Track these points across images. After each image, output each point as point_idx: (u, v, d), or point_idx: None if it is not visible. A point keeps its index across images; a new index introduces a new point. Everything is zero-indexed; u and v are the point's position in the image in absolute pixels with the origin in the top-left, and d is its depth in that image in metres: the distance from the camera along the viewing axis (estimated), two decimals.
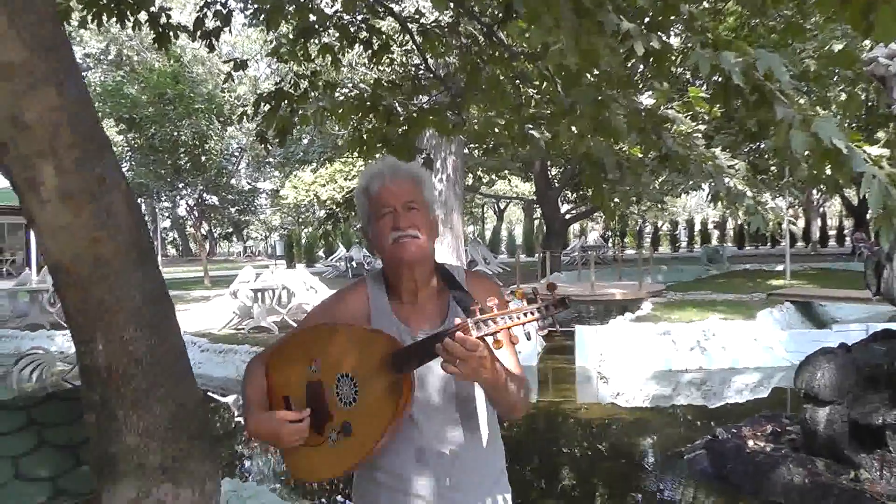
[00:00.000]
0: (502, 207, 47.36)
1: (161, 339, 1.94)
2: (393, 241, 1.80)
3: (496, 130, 5.71)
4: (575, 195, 25.34)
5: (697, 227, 38.72)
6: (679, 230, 39.57)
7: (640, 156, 4.52)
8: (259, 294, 13.03)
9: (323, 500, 5.90)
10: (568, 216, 26.09)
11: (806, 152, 2.78)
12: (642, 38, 2.97)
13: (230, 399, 9.79)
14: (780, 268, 19.47)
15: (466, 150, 19.67)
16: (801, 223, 35.31)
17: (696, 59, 2.85)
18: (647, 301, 13.72)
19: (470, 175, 27.34)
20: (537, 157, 16.11)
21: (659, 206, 27.20)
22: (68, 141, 1.72)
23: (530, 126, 5.32)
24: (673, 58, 3.11)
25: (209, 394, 10.13)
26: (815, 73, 12.32)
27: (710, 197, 4.62)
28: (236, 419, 8.85)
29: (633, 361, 10.18)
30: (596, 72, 3.59)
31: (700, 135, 5.81)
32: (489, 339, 1.51)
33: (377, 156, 5.94)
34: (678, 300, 14.44)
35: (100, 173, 1.79)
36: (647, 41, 2.97)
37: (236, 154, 32.68)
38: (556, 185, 24.07)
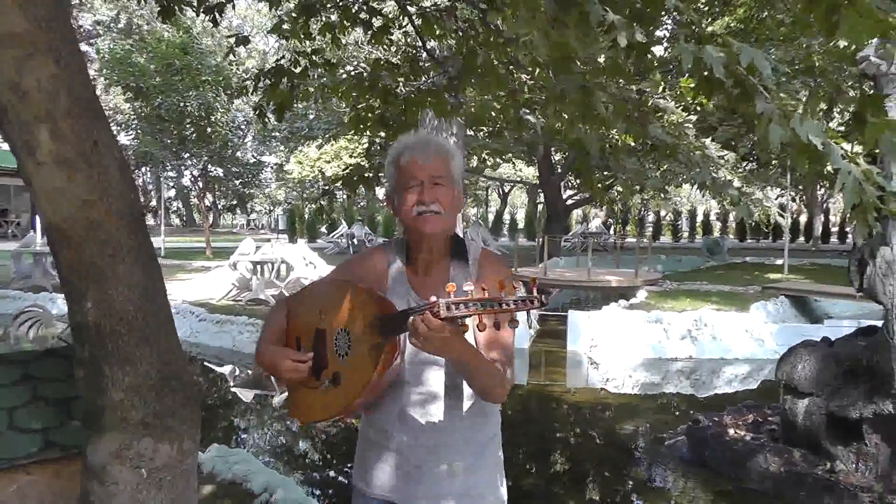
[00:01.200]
0: (506, 190, 47.35)
1: (148, 300, 2.04)
2: (417, 214, 1.88)
3: (493, 114, 5.80)
4: (578, 181, 25.32)
5: (700, 217, 38.76)
6: (681, 220, 39.59)
7: (631, 143, 4.61)
8: (258, 267, 13.15)
9: (315, 474, 6.04)
10: (570, 202, 26.11)
11: (781, 145, 2.86)
12: (627, 30, 3.04)
13: (226, 369, 9.90)
14: (779, 262, 19.53)
15: (471, 132, 19.68)
16: (804, 218, 35.30)
17: (679, 52, 2.93)
18: (642, 289, 13.81)
19: (474, 157, 27.35)
20: (539, 142, 16.11)
21: (661, 195, 27.19)
22: (64, 108, 1.81)
23: (526, 111, 5.41)
24: (656, 51, 3.18)
25: (205, 363, 10.26)
26: (821, 67, 12.36)
27: (696, 186, 4.73)
28: (232, 389, 8.98)
29: (623, 348, 10.30)
30: (585, 60, 3.67)
31: (691, 125, 5.91)
32: (469, 322, 1.56)
33: (380, 134, 6.04)
34: (673, 289, 14.55)
35: (94, 140, 1.88)
36: (631, 34, 3.04)
37: (242, 127, 32.65)
38: (559, 170, 24.08)
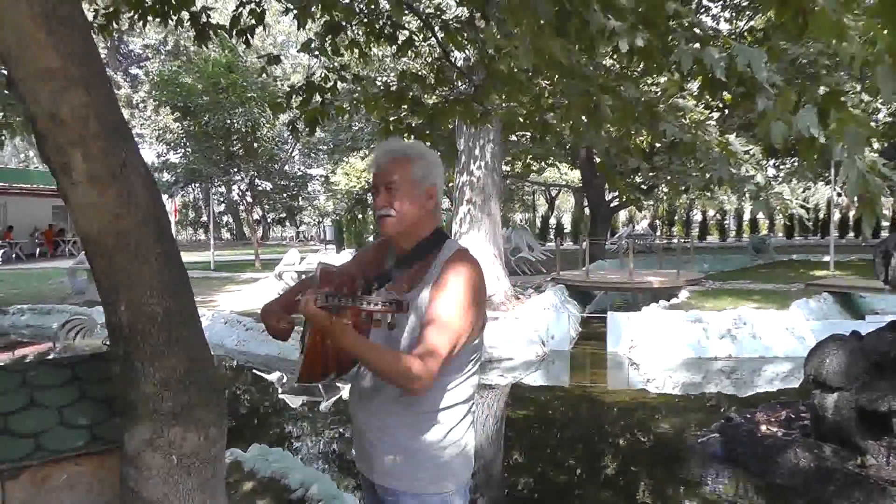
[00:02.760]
0: (553, 195, 47.28)
1: (175, 302, 2.27)
2: (378, 217, 2.15)
3: (520, 120, 5.96)
4: (622, 183, 25.30)
5: (746, 216, 38.25)
6: (728, 219, 39.09)
7: (646, 144, 4.72)
8: (303, 276, 13.46)
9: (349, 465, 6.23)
10: (613, 204, 26.04)
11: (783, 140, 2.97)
12: (628, 35, 3.19)
13: (274, 377, 10.20)
14: (826, 259, 19.24)
15: (514, 138, 19.82)
16: (853, 213, 34.58)
17: (679, 56, 3.07)
18: (684, 290, 13.78)
19: (518, 163, 27.43)
20: (578, 145, 16.19)
21: (706, 194, 26.93)
22: (95, 132, 2.03)
23: (552, 115, 5.55)
24: (658, 55, 3.31)
25: (254, 371, 10.58)
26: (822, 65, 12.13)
27: (716, 181, 4.83)
28: (280, 395, 9.26)
29: (663, 348, 10.32)
30: (594, 65, 3.81)
31: (713, 122, 5.98)
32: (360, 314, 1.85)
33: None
34: (716, 289, 14.47)
35: (122, 159, 2.10)
36: (632, 38, 3.19)
37: (288, 141, 33.29)
38: (600, 173, 24.06)
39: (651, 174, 19.78)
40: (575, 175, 34.22)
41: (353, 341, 1.89)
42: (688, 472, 6.04)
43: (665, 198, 31.18)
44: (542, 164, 28.90)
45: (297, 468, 4.58)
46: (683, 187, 21.62)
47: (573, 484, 5.91)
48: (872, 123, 18.28)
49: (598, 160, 24.97)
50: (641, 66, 3.71)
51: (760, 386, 9.14)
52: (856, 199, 2.80)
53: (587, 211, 29.01)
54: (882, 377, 5.46)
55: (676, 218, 37.59)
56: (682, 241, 22.90)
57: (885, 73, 1.91)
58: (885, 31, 1.89)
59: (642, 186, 23.08)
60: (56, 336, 10.91)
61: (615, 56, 3.46)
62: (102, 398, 2.97)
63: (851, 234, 34.30)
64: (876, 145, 16.44)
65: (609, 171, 4.77)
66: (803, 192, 35.41)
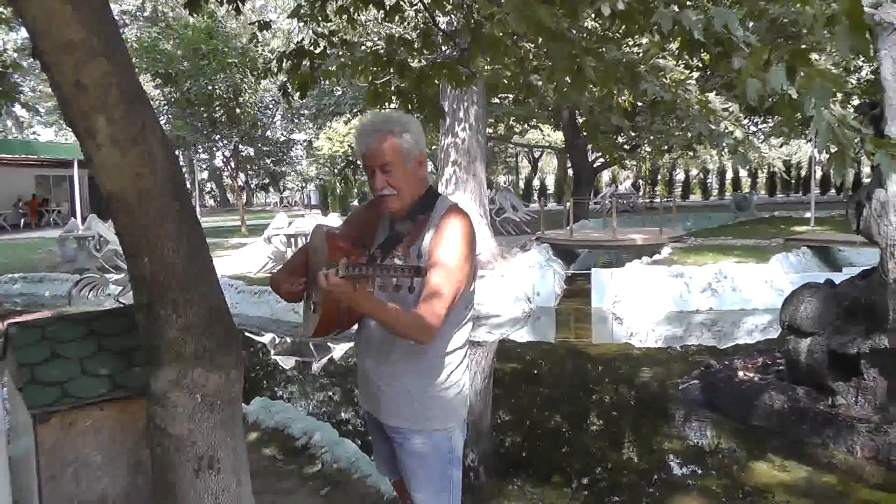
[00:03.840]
0: (536, 156, 47.39)
1: (193, 254, 2.45)
2: (377, 198, 2.31)
3: (505, 82, 6.11)
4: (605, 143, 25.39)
5: (729, 174, 38.57)
6: (711, 178, 39.42)
7: (628, 103, 4.90)
8: (292, 239, 13.64)
9: (349, 417, 6.49)
10: (596, 165, 26.23)
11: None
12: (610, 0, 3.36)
13: (267, 338, 10.41)
14: (808, 215, 19.57)
15: (497, 100, 19.89)
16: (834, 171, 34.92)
17: (658, 18, 3.25)
18: (666, 246, 14.06)
19: (501, 124, 27.52)
20: (564, 104, 16.30)
21: (689, 153, 27.15)
22: (116, 98, 2.20)
23: (537, 77, 5.71)
24: (638, 17, 3.48)
25: (247, 333, 10.78)
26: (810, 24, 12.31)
27: (695, 138, 5.01)
28: (273, 356, 9.49)
29: (646, 303, 10.61)
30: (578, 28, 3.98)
31: (694, 81, 6.16)
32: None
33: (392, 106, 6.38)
34: (698, 245, 14.77)
35: (141, 123, 2.27)
36: (613, 2, 3.36)
37: (270, 107, 33.15)
38: (585, 133, 24.19)
39: (633, 134, 19.96)
40: (558, 136, 34.34)
41: (373, 306, 2.06)
42: (669, 418, 6.33)
43: (648, 157, 31.39)
44: (525, 125, 29.03)
45: (299, 418, 4.82)
46: (666, 147, 21.80)
47: (560, 433, 6.18)
48: (854, 80, 18.48)
49: (581, 121, 25.12)
50: (623, 28, 3.88)
51: (740, 337, 9.45)
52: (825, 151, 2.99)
53: (570, 172, 29.18)
54: (853, 322, 5.73)
55: (659, 177, 37.83)
56: (665, 199, 23.17)
57: (842, 32, 2.11)
58: None
59: (625, 147, 23.27)
60: (70, 294, 11.31)
61: (597, 19, 3.63)
62: (119, 350, 3.18)
63: (833, 192, 34.70)
64: (857, 102, 16.64)
65: (592, 131, 4.95)
66: (781, 147, 35.66)
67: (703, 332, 9.83)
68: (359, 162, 2.48)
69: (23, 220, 30.44)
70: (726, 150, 4.84)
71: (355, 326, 2.47)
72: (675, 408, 6.48)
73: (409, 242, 2.31)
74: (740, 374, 6.43)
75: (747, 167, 31.28)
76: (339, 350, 9.30)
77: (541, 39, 4.83)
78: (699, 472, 5.21)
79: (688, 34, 3.23)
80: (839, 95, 13.88)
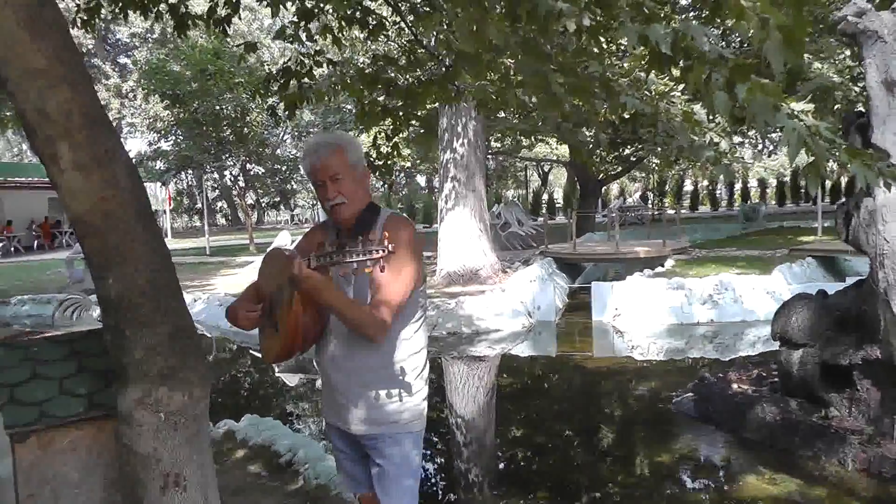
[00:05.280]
0: (546, 170, 47.44)
1: (160, 275, 2.50)
2: (330, 208, 2.41)
3: (493, 97, 6.17)
4: (610, 156, 25.42)
5: (738, 185, 38.45)
6: (719, 189, 39.29)
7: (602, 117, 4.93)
8: None
9: None
10: (601, 177, 26.21)
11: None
12: (575, 16, 3.41)
13: None
14: (815, 224, 19.48)
15: (502, 114, 19.93)
16: (844, 179, 34.82)
17: (624, 33, 3.29)
18: (670, 258, 14.04)
19: (508, 139, 27.57)
20: (541, 118, 16.35)
21: (697, 165, 27.12)
22: (79, 124, 2.27)
23: (522, 91, 5.76)
24: (605, 33, 3.52)
25: (251, 351, 10.84)
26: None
27: (676, 151, 5.05)
28: (277, 374, 9.53)
29: (647, 315, 10.60)
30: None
31: (679, 92, 6.19)
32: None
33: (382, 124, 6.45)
34: (701, 257, 14.75)
35: (105, 148, 2.34)
36: (579, 19, 3.40)
37: (279, 125, 33.40)
38: (590, 146, 24.19)
39: (639, 147, 19.98)
40: (565, 150, 34.38)
41: (336, 295, 2.24)
42: (663, 432, 6.32)
43: (656, 169, 31.37)
44: (532, 139, 29.06)
45: (285, 435, 4.86)
46: (673, 158, 21.79)
47: (558, 448, 6.19)
48: (857, 88, 18.39)
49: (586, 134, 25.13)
50: (591, 44, 3.92)
51: (742, 349, 9.40)
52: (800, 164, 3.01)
53: (577, 185, 29.21)
54: (845, 333, 5.70)
55: (668, 189, 37.77)
56: (673, 211, 23.14)
57: (774, 45, 2.16)
58: (775, 10, 2.13)
59: (631, 159, 23.27)
60: (54, 316, 11.38)
61: (563, 35, 3.69)
62: (100, 370, 3.23)
63: (843, 200, 34.47)
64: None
65: (573, 144, 5.00)
66: (769, 156, 35.66)
67: (703, 344, 9.81)
68: (307, 178, 2.55)
69: (36, 242, 30.73)
70: (708, 162, 4.87)
71: (313, 348, 2.53)
72: (668, 421, 6.47)
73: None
74: (734, 386, 6.42)
75: (733, 177, 31.23)
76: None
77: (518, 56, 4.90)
78: (690, 485, 5.21)
79: (656, 48, 3.27)
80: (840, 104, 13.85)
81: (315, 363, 2.64)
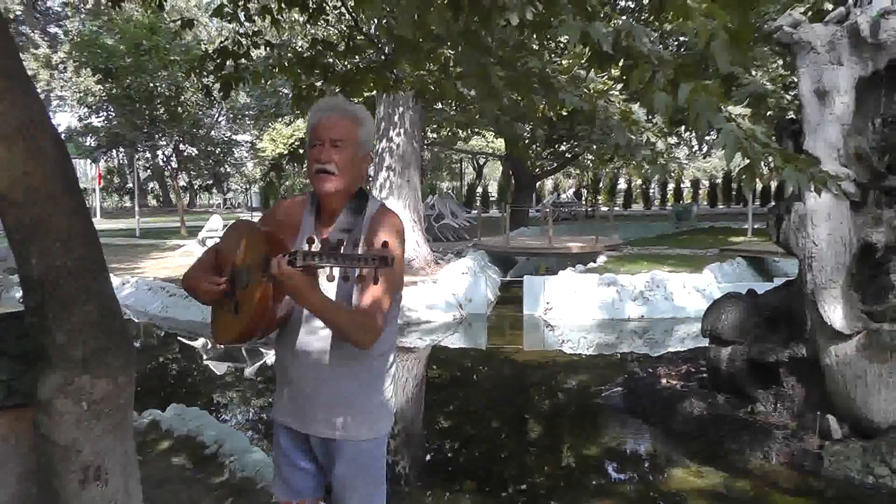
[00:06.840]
0: (481, 163, 47.61)
1: (84, 253, 2.37)
2: (315, 172, 2.12)
3: (432, 88, 6.12)
4: (546, 151, 25.67)
5: (671, 185, 39.27)
6: (653, 188, 40.06)
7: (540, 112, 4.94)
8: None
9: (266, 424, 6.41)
10: (536, 172, 26.45)
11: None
12: (518, 10, 3.38)
13: (199, 343, 10.22)
14: (746, 226, 19.98)
15: (440, 105, 19.90)
16: (774, 183, 35.93)
17: (565, 30, 3.27)
18: (602, 255, 14.23)
19: (444, 131, 27.53)
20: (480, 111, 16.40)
21: (632, 163, 27.60)
22: (1, 88, 2.14)
23: (460, 83, 5.72)
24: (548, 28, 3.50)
25: (179, 338, 10.58)
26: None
27: (613, 149, 5.10)
28: (205, 362, 9.32)
29: (578, 310, 10.72)
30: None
31: (617, 91, 6.26)
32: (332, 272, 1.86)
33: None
34: (633, 254, 14.99)
35: (29, 117, 2.21)
36: (522, 13, 3.37)
37: (214, 106, 32.72)
38: (526, 141, 24.37)
39: (575, 143, 20.21)
40: (500, 143, 34.57)
41: (322, 300, 1.95)
42: (591, 425, 6.39)
43: (591, 166, 31.77)
44: (469, 132, 29.11)
45: (212, 426, 4.73)
46: (609, 156, 22.10)
47: (488, 438, 6.20)
48: (789, 97, 18.89)
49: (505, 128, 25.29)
50: (533, 39, 3.90)
51: (671, 344, 9.58)
52: (735, 165, 3.04)
53: (512, 179, 29.41)
54: (773, 331, 5.86)
55: (601, 186, 38.33)
56: (606, 208, 23.48)
57: (721, 46, 2.17)
58: (721, 11, 2.15)
59: (567, 155, 23.50)
60: None
61: (506, 28, 3.67)
62: (20, 354, 3.08)
63: (773, 203, 35.54)
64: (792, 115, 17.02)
65: (510, 138, 5.00)
66: (704, 158, 36.61)
67: (634, 339, 9.97)
68: (306, 136, 2.28)
69: None
70: (644, 161, 4.92)
71: (274, 333, 2.28)
72: (597, 414, 6.55)
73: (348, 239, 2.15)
74: (663, 381, 6.53)
75: (666, 177, 31.93)
76: (272, 356, 9.18)
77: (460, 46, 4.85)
78: (616, 477, 5.27)
79: (597, 46, 3.26)
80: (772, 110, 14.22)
81: (276, 353, 2.35)
